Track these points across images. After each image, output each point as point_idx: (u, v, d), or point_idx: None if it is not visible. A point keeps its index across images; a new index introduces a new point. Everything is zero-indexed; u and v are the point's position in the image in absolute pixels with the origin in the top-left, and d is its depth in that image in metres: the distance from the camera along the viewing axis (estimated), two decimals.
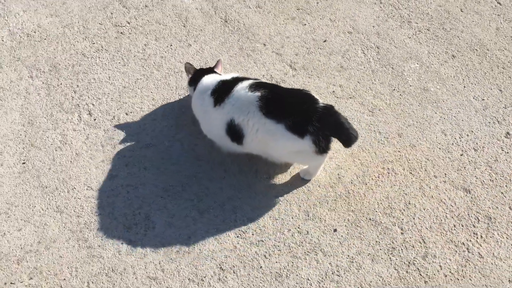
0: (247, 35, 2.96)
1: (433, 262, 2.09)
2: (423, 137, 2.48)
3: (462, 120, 2.53)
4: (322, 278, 2.06)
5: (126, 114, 2.64)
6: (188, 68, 2.53)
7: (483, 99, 2.61)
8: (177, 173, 2.40)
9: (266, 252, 2.15)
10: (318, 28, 2.99)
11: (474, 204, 2.25)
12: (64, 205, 2.31)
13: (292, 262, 2.11)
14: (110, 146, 2.51)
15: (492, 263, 2.08)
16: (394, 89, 2.67)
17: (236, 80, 2.24)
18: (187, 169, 2.41)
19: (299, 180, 2.35)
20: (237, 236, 2.19)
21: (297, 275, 2.08)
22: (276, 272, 2.09)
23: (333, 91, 2.67)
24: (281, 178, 2.36)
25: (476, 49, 2.82)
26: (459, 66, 2.76)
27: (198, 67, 2.61)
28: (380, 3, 3.09)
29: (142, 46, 2.94)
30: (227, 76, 2.33)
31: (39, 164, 2.45)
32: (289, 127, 2.04)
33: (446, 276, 2.06)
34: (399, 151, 2.43)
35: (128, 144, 2.52)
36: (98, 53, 2.92)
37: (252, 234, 2.20)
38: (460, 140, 2.46)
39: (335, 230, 2.20)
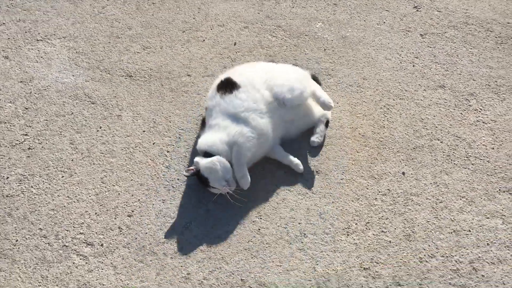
0: (165, 76, 2.69)
1: (477, 146, 2.39)
2: (380, 70, 2.73)
3: (388, 43, 2.87)
4: (435, 213, 2.15)
5: (129, 216, 2.15)
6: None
7: (384, 22, 3.00)
8: (246, 227, 2.12)
9: (379, 228, 2.11)
10: (217, 37, 2.90)
11: (455, 91, 2.62)
12: None
13: (405, 220, 2.14)
14: (149, 255, 2.03)
15: (504, 120, 2.49)
16: (325, 49, 2.84)
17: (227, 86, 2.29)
18: (248, 216, 2.15)
19: (328, 159, 2.34)
20: (348, 235, 2.09)
21: (417, 225, 2.12)
22: (403, 236, 2.09)
23: None
24: (321, 167, 2.32)
25: None
26: (346, 9, 3.08)
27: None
28: None
29: (69, 146, 2.38)
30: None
31: None
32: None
33: (493, 148, 2.38)
34: (376, 89, 2.63)
35: (165, 239, 2.08)
36: (25, 183, 2.25)
37: (356, 224, 2.13)
38: (402, 57, 2.80)
39: (403, 173, 2.30)
